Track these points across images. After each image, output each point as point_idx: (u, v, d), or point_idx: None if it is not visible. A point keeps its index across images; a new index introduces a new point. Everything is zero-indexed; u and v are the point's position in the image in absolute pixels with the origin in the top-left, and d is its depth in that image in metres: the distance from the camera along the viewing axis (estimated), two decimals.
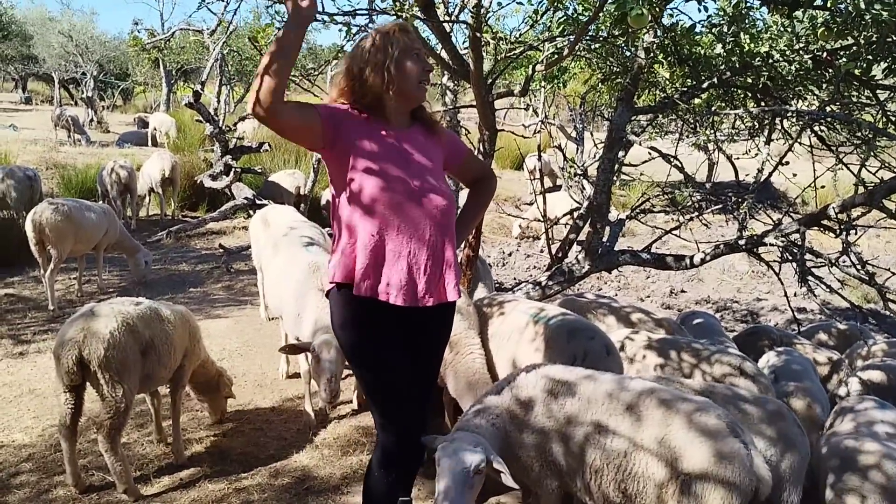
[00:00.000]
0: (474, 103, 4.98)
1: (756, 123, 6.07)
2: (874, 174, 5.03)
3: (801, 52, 4.81)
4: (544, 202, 7.55)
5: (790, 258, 5.13)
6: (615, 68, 6.03)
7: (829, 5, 4.14)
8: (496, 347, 4.27)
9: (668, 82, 5.67)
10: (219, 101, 13.44)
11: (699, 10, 4.70)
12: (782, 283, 5.79)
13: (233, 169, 11.41)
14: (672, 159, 5.70)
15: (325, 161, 2.76)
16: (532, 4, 4.87)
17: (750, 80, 5.34)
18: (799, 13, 4.51)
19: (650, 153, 5.78)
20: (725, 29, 4.82)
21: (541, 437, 2.99)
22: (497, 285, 8.33)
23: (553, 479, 3.00)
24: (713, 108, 5.82)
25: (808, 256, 5.07)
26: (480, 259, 6.29)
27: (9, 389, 5.25)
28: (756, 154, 5.79)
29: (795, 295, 8.80)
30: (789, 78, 5.09)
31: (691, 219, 6.63)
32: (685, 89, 5.41)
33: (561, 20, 4.88)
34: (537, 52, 5.23)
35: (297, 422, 4.81)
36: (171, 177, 11.46)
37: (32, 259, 7.25)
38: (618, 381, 3.05)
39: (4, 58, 29.16)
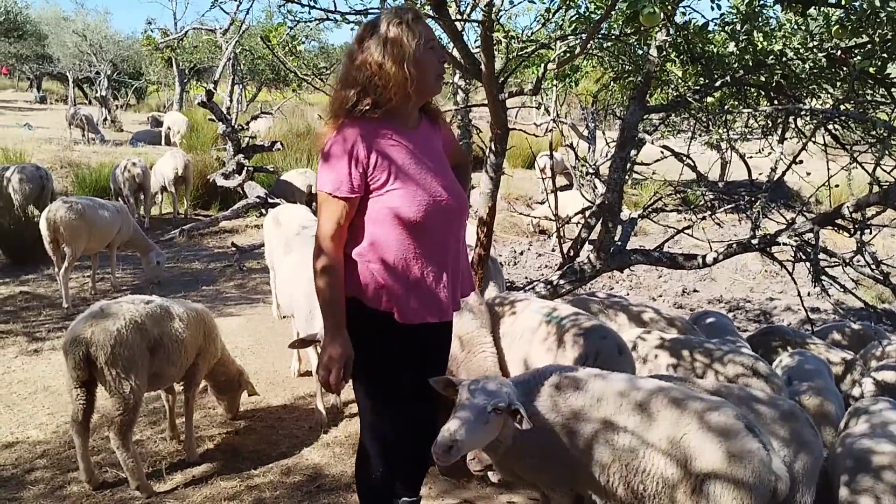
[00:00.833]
0: (486, 102, 4.97)
1: (769, 122, 6.03)
2: (889, 173, 4.99)
3: (815, 50, 4.77)
4: (556, 201, 7.54)
5: (804, 258, 5.10)
6: (627, 67, 6.01)
7: (843, 3, 4.11)
8: (508, 346, 4.26)
9: (680, 81, 5.65)
10: (231, 100, 13.50)
11: (712, 9, 4.69)
12: (795, 283, 5.75)
13: (245, 167, 11.45)
14: (685, 158, 5.68)
15: None
16: (544, 3, 4.87)
17: (763, 79, 5.30)
18: (813, 11, 4.48)
19: (662, 152, 5.77)
20: (738, 27, 4.79)
21: (552, 436, 2.98)
22: (508, 284, 8.32)
23: (565, 479, 3.00)
24: (726, 107, 5.79)
25: (821, 256, 5.04)
26: (491, 258, 6.28)
27: (23, 386, 5.29)
28: (769, 153, 5.77)
29: (809, 295, 8.73)
30: (803, 76, 5.06)
31: (704, 218, 6.61)
32: (698, 88, 5.38)
33: (573, 18, 4.87)
34: (549, 51, 5.22)
35: (308, 420, 4.82)
36: (184, 175, 11.52)
37: (47, 257, 7.30)
38: (632, 380, 3.04)
39: (19, 57, 29.38)
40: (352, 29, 4.81)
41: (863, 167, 5.17)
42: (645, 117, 5.92)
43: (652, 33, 5.02)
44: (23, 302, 7.34)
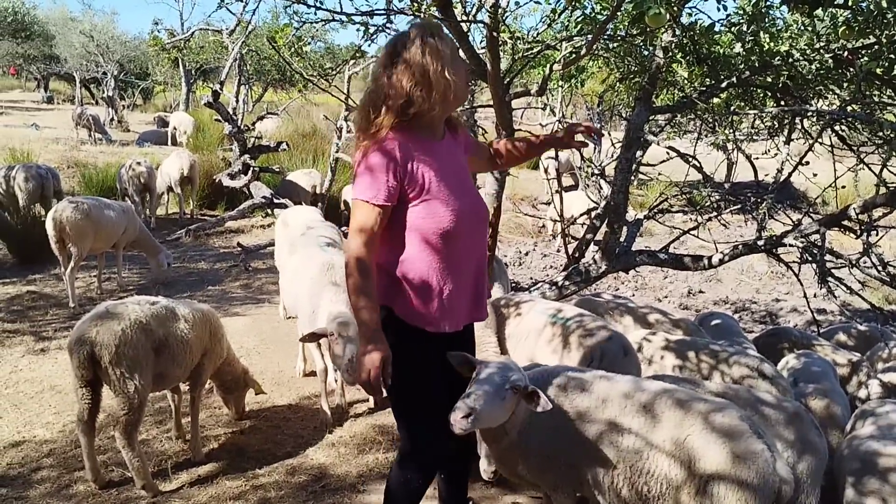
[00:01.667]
0: (491, 103, 4.97)
1: (776, 123, 6.00)
2: None
3: (821, 51, 4.76)
4: (561, 201, 7.53)
5: (810, 259, 5.08)
6: (633, 67, 6.00)
7: (850, 4, 4.09)
8: (513, 348, 4.27)
9: (686, 82, 5.63)
10: (237, 101, 13.54)
11: (718, 9, 4.66)
12: (802, 285, 5.73)
13: (251, 168, 11.49)
14: (690, 159, 5.65)
15: None
16: (550, 4, 4.87)
17: (770, 80, 5.29)
18: (820, 12, 4.46)
19: (668, 153, 5.74)
20: (745, 28, 4.77)
21: (556, 436, 2.98)
22: (513, 285, 8.32)
23: (569, 480, 2.99)
24: (732, 108, 5.77)
25: (828, 257, 5.02)
26: (496, 259, 6.28)
27: (30, 385, 5.32)
28: (776, 154, 5.74)
29: (815, 296, 8.69)
30: (809, 77, 5.03)
31: (710, 219, 6.58)
32: (704, 89, 5.37)
33: (579, 19, 4.86)
34: (555, 52, 5.22)
35: (314, 420, 4.83)
36: (190, 175, 11.55)
37: (54, 257, 7.33)
38: (637, 381, 3.04)
39: (27, 57, 29.51)
40: (357, 30, 4.82)
41: (870, 168, 5.14)
42: (651, 118, 5.90)
43: (658, 34, 5.01)
44: (30, 301, 7.37)
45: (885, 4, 3.82)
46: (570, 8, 4.68)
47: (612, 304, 5.32)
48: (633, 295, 9.18)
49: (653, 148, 6.04)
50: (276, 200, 10.99)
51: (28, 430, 4.63)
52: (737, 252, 5.36)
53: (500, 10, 4.26)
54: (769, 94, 5.65)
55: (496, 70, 4.53)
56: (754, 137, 6.98)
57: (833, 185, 5.26)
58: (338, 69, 6.89)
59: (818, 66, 4.85)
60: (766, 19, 4.74)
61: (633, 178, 5.99)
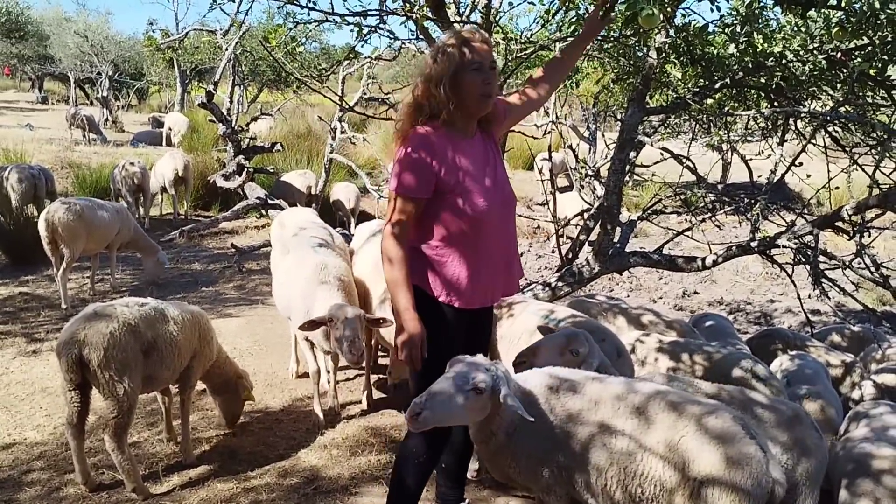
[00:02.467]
0: None
1: (769, 124, 6.01)
2: (889, 175, 4.97)
3: (815, 52, 4.75)
4: (555, 202, 7.52)
5: (803, 260, 5.08)
6: (627, 68, 5.99)
7: (843, 5, 4.08)
8: (506, 349, 4.25)
9: (680, 82, 5.63)
10: (231, 101, 13.48)
11: (712, 10, 4.66)
12: (795, 286, 5.73)
13: (245, 169, 11.44)
14: (684, 160, 5.65)
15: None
16: (544, 4, 4.86)
17: (763, 81, 5.28)
18: (813, 13, 4.46)
19: (662, 154, 5.75)
20: (738, 29, 4.77)
21: (549, 440, 2.97)
22: None
23: (560, 483, 2.97)
24: (726, 109, 5.77)
25: (821, 258, 5.02)
26: None
27: (21, 387, 5.29)
28: (770, 155, 5.74)
29: (809, 297, 8.71)
30: (803, 78, 5.03)
31: (704, 220, 6.59)
32: (697, 90, 5.37)
33: (573, 20, 4.85)
34: (549, 52, 5.21)
35: (306, 422, 4.81)
36: (184, 176, 11.53)
37: (46, 258, 7.30)
38: (629, 383, 3.03)
39: (21, 58, 29.37)
40: (351, 30, 4.80)
41: (863, 169, 5.15)
42: (645, 119, 5.90)
43: (652, 35, 5.01)
44: (22, 303, 7.33)
45: (877, 5, 3.82)
46: (564, 8, 4.67)
47: (605, 306, 5.32)
48: (628, 296, 9.18)
49: (647, 149, 6.05)
50: (270, 201, 10.96)
51: (19, 432, 4.60)
52: (730, 253, 5.36)
53: (493, 11, 4.25)
54: (763, 94, 5.65)
55: None
56: (748, 138, 7.00)
57: (827, 185, 5.27)
58: (331, 70, 6.88)
59: (811, 67, 4.84)
60: (760, 20, 4.73)
61: (627, 179, 5.98)
